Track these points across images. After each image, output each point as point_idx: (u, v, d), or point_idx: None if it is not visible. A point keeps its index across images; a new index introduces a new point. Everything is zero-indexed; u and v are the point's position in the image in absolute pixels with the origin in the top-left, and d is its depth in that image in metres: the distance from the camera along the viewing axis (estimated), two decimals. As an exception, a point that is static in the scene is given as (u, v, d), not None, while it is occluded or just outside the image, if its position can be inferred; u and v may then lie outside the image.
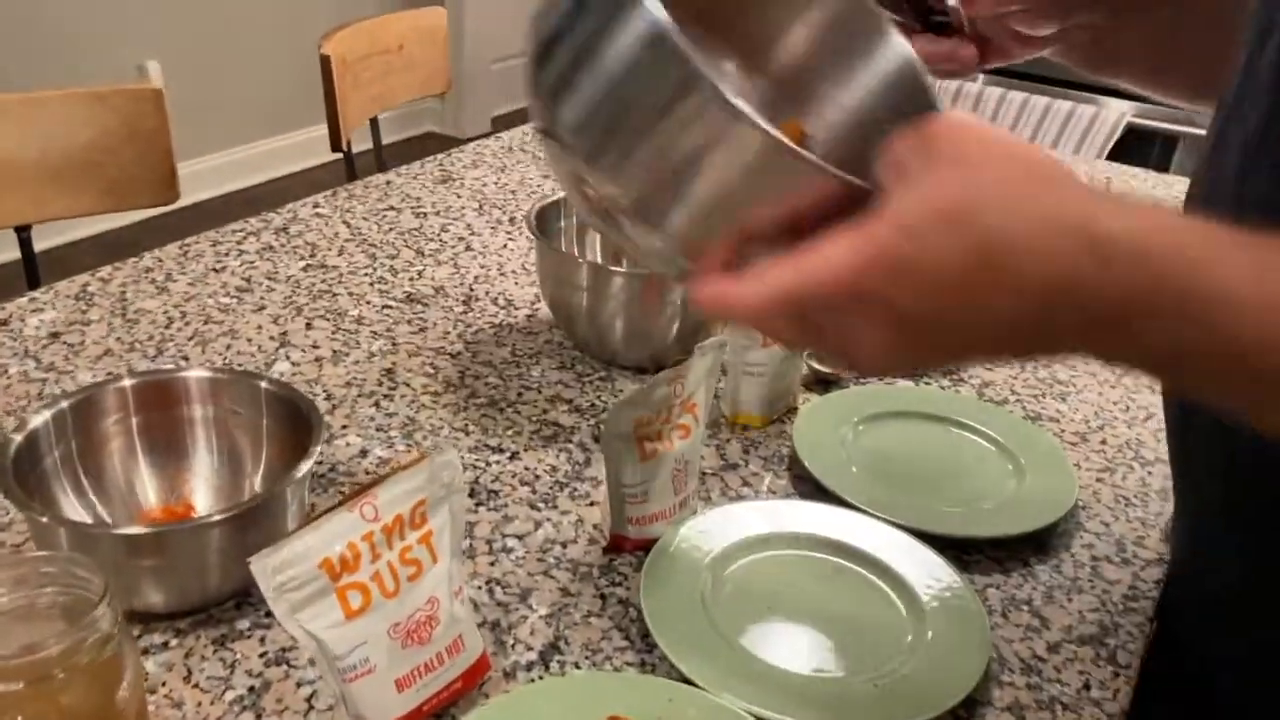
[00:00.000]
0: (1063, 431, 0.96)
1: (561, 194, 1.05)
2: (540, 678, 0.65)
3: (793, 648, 0.68)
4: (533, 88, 0.50)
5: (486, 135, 1.56)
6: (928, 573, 0.74)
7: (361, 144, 1.77)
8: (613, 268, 0.95)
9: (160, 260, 1.12)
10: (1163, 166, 1.80)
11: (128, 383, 0.74)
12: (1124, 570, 0.79)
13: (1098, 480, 0.90)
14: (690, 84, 0.44)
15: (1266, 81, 0.58)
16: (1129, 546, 0.82)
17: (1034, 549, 0.80)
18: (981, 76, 3.04)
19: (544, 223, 1.01)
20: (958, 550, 0.78)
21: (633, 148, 0.46)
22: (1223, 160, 0.62)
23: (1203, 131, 0.69)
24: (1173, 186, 1.56)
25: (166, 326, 1.00)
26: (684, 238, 0.48)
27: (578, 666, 0.67)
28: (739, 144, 0.45)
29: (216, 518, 0.64)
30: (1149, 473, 0.91)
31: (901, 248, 0.44)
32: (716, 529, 0.77)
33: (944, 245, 0.43)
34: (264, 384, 0.76)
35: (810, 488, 0.84)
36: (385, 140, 1.91)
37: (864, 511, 0.80)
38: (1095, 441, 0.95)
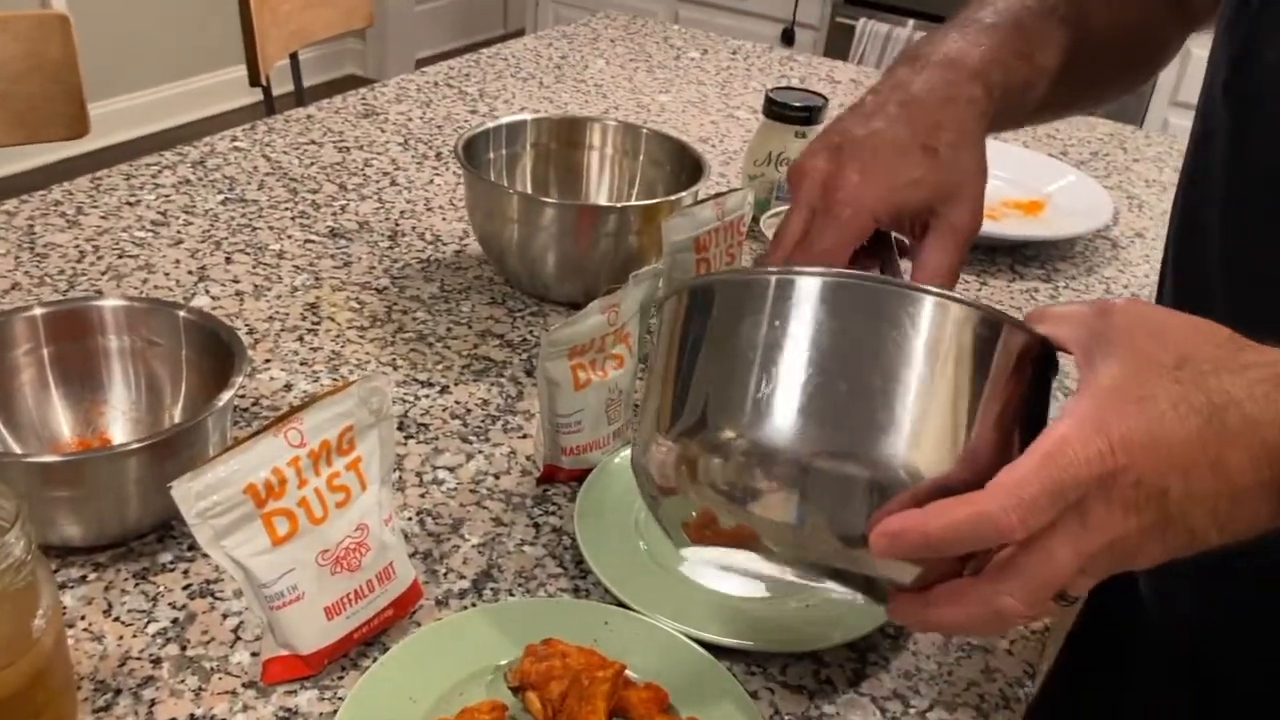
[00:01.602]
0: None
1: (491, 124, 1.02)
2: (473, 605, 0.65)
3: (725, 573, 0.68)
4: (707, 455, 0.48)
5: (412, 71, 1.51)
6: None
7: (281, 86, 1.71)
8: (544, 198, 0.94)
9: (70, 193, 1.08)
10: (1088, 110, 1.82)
11: (38, 311, 0.71)
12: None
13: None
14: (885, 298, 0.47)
15: None
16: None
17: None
18: (912, 22, 3.05)
19: (472, 153, 0.99)
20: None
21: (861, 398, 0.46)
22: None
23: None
24: (1095, 129, 1.58)
25: (78, 260, 0.96)
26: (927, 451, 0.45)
27: (511, 594, 0.66)
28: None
29: (134, 446, 0.62)
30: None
31: (1141, 417, 0.41)
32: (650, 458, 0.76)
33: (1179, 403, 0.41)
34: (182, 313, 0.73)
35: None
36: (306, 83, 1.86)
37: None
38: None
